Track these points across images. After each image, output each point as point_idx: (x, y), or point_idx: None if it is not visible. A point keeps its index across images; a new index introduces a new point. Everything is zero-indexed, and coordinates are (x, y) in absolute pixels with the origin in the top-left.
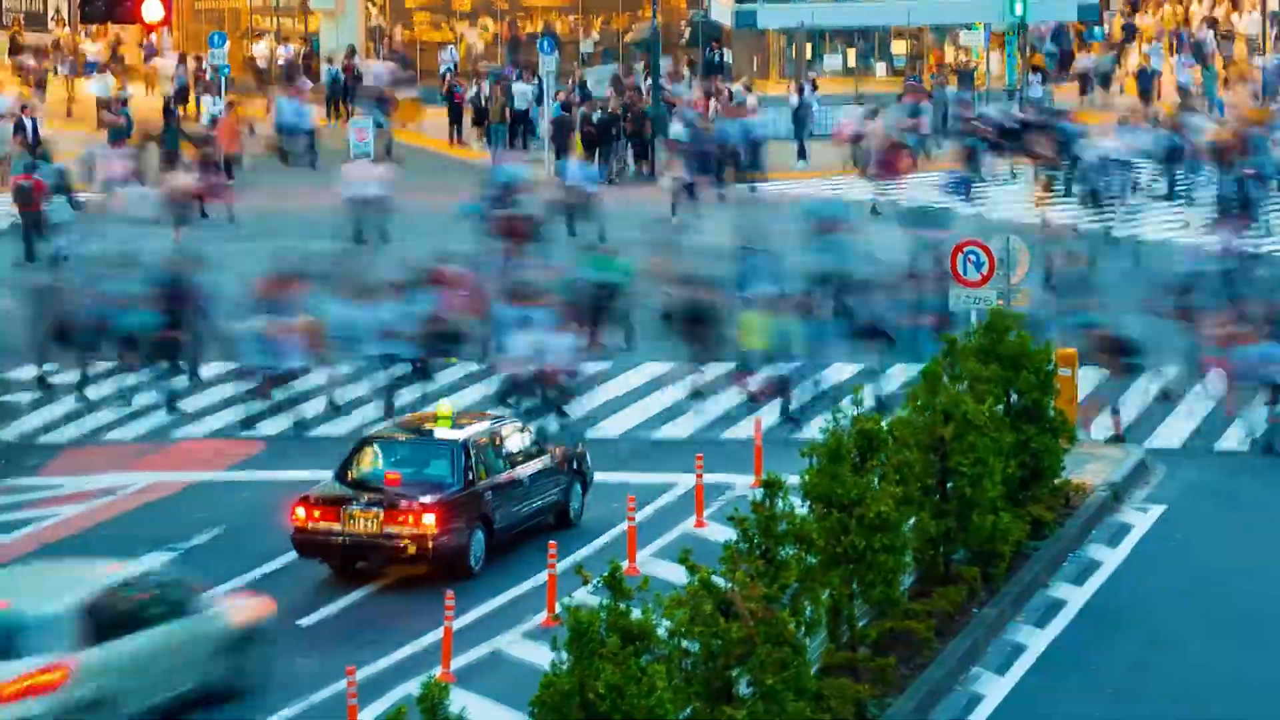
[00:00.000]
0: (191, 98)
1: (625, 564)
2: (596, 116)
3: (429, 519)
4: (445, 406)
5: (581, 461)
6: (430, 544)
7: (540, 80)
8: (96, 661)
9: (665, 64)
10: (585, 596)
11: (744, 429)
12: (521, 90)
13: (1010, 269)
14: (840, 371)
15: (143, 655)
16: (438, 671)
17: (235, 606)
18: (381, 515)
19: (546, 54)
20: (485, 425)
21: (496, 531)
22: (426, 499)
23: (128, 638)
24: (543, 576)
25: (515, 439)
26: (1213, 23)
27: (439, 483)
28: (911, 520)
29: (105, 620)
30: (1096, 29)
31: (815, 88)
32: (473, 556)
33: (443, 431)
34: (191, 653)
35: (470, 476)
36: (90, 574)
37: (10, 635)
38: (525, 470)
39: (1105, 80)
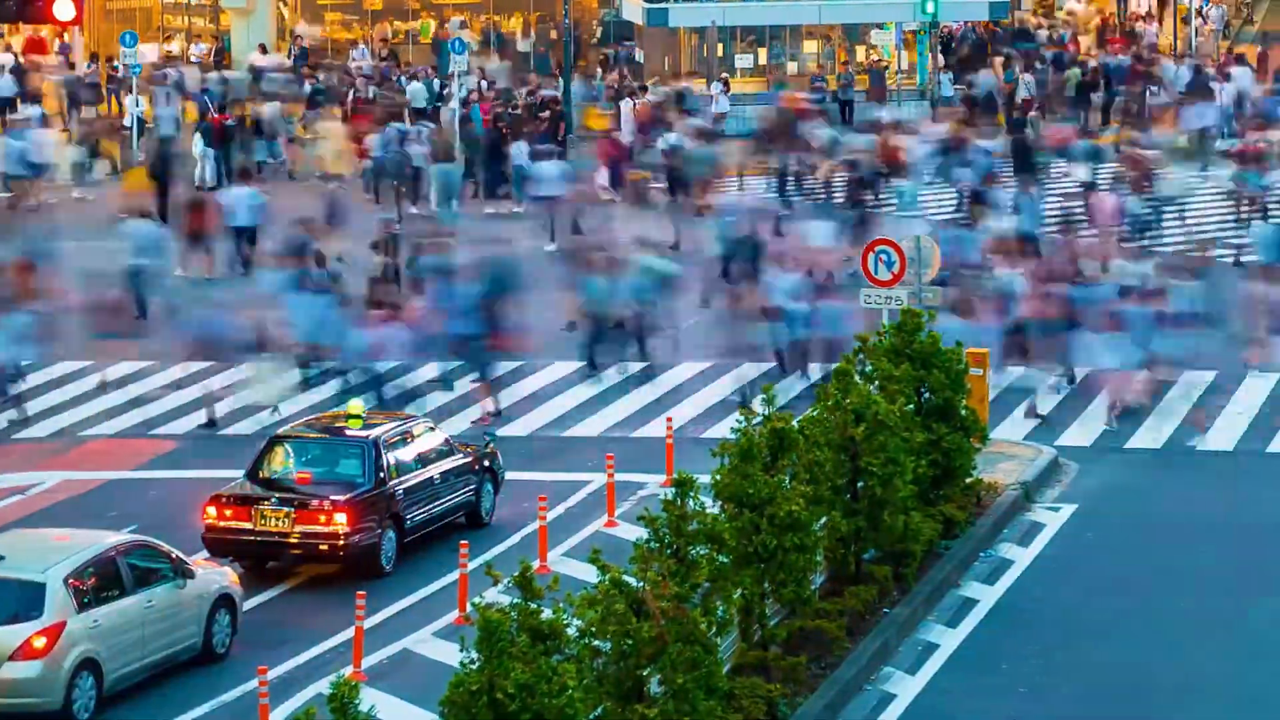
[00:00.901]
0: (110, 99)
1: (536, 563)
2: (506, 115)
3: (340, 518)
4: (356, 405)
5: (493, 461)
6: (342, 543)
7: (430, 78)
8: (87, 625)
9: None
10: (496, 596)
11: (656, 428)
12: (416, 89)
13: (922, 268)
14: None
15: (132, 618)
16: (348, 670)
17: (213, 573)
18: (293, 514)
19: (457, 54)
20: (396, 424)
21: (408, 531)
22: (338, 498)
23: (117, 602)
24: (454, 576)
25: (426, 438)
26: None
27: (350, 482)
28: (823, 519)
29: (96, 585)
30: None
31: (728, 87)
32: (384, 556)
33: (354, 430)
34: (177, 616)
35: (381, 476)
36: (80, 541)
37: (3, 600)
38: (436, 469)
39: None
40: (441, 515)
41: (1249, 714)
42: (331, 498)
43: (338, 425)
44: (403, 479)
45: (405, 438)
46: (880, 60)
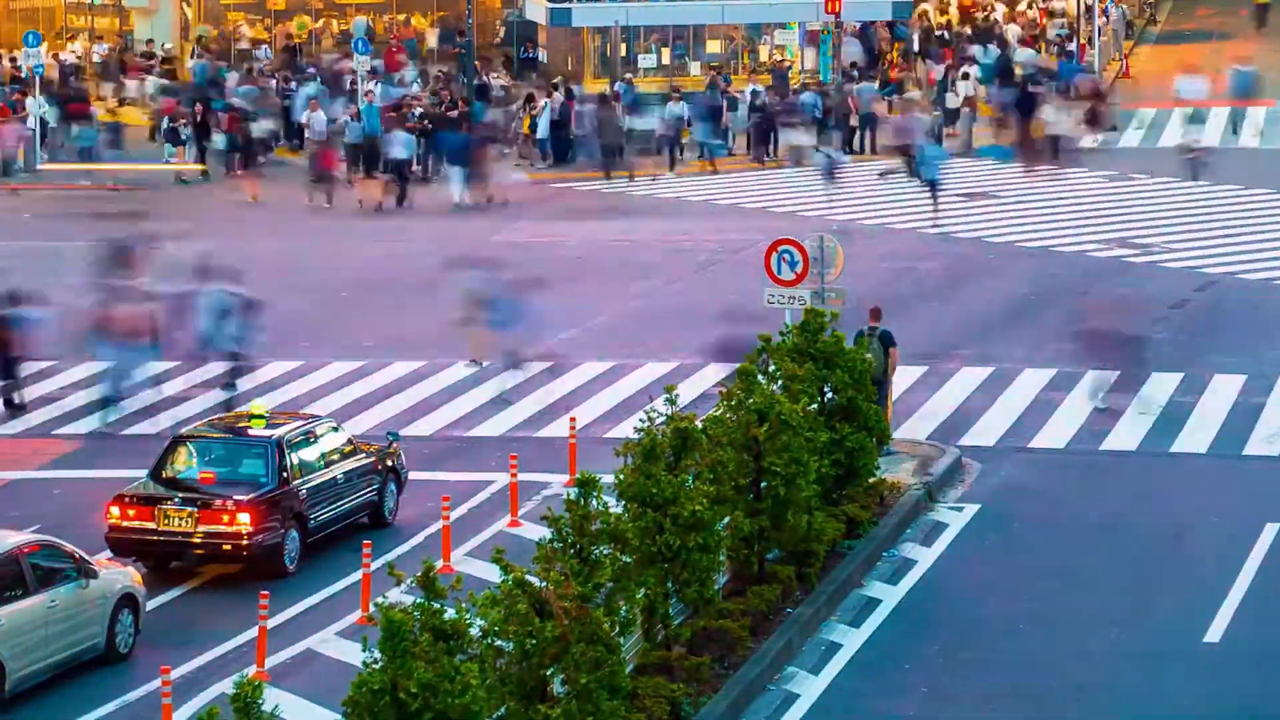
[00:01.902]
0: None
1: (439, 563)
2: (418, 113)
3: (244, 518)
4: (259, 405)
5: (395, 460)
6: (245, 543)
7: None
8: None
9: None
10: (399, 596)
11: (559, 427)
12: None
13: (825, 267)
14: None
15: (35, 618)
16: (251, 670)
17: (116, 573)
18: (196, 514)
19: (361, 53)
20: (299, 424)
21: (311, 530)
22: (241, 498)
23: (19, 602)
24: (357, 575)
25: (329, 438)
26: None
27: (253, 482)
28: (726, 519)
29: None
30: (905, 29)
31: (633, 86)
32: (288, 556)
33: (257, 430)
34: (80, 616)
35: (285, 475)
36: None
37: None
38: (340, 469)
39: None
40: (345, 515)
41: (1148, 714)
42: (234, 497)
43: (241, 425)
44: (306, 479)
45: (308, 437)
46: (784, 60)
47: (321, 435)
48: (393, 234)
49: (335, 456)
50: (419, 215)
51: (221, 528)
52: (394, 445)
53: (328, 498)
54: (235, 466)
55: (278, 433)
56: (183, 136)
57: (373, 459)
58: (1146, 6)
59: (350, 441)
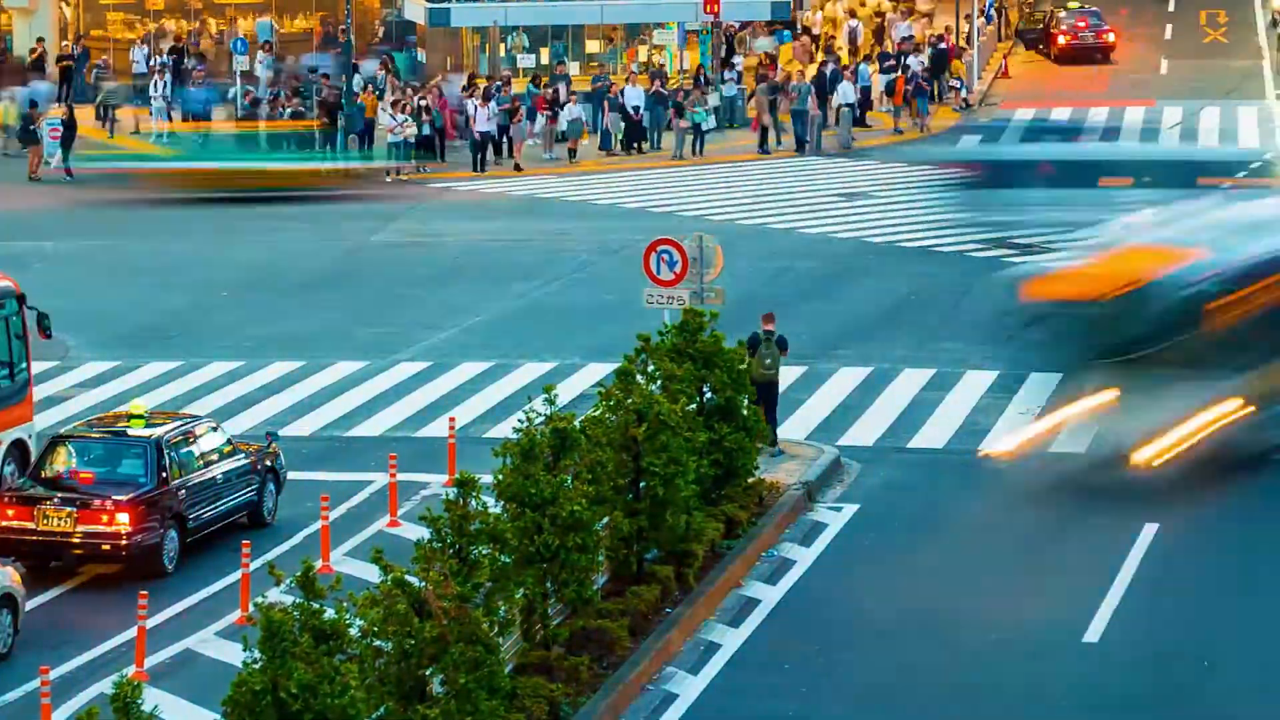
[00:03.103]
0: None
1: (318, 563)
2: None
3: (123, 518)
4: (138, 405)
5: (275, 460)
6: (124, 543)
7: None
8: None
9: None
10: (279, 596)
11: (438, 428)
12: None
13: (704, 267)
14: None
15: None
16: (131, 670)
17: None
18: (75, 514)
19: (239, 54)
20: (178, 424)
21: (191, 530)
22: (120, 498)
23: None
24: (236, 575)
25: (208, 438)
26: None
27: (132, 481)
28: (605, 519)
29: None
30: (786, 31)
31: (509, 86)
32: (167, 555)
33: (136, 430)
34: None
35: (164, 475)
36: None
37: None
38: (219, 469)
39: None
40: (224, 515)
41: (1026, 713)
42: (114, 497)
43: (120, 425)
44: (185, 478)
45: (188, 438)
46: (663, 62)
47: (201, 435)
48: (274, 232)
49: (214, 456)
50: (301, 215)
51: (100, 528)
52: (273, 445)
53: (207, 498)
54: (114, 466)
55: (157, 433)
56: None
57: (252, 459)
58: (1025, 6)
59: (230, 441)
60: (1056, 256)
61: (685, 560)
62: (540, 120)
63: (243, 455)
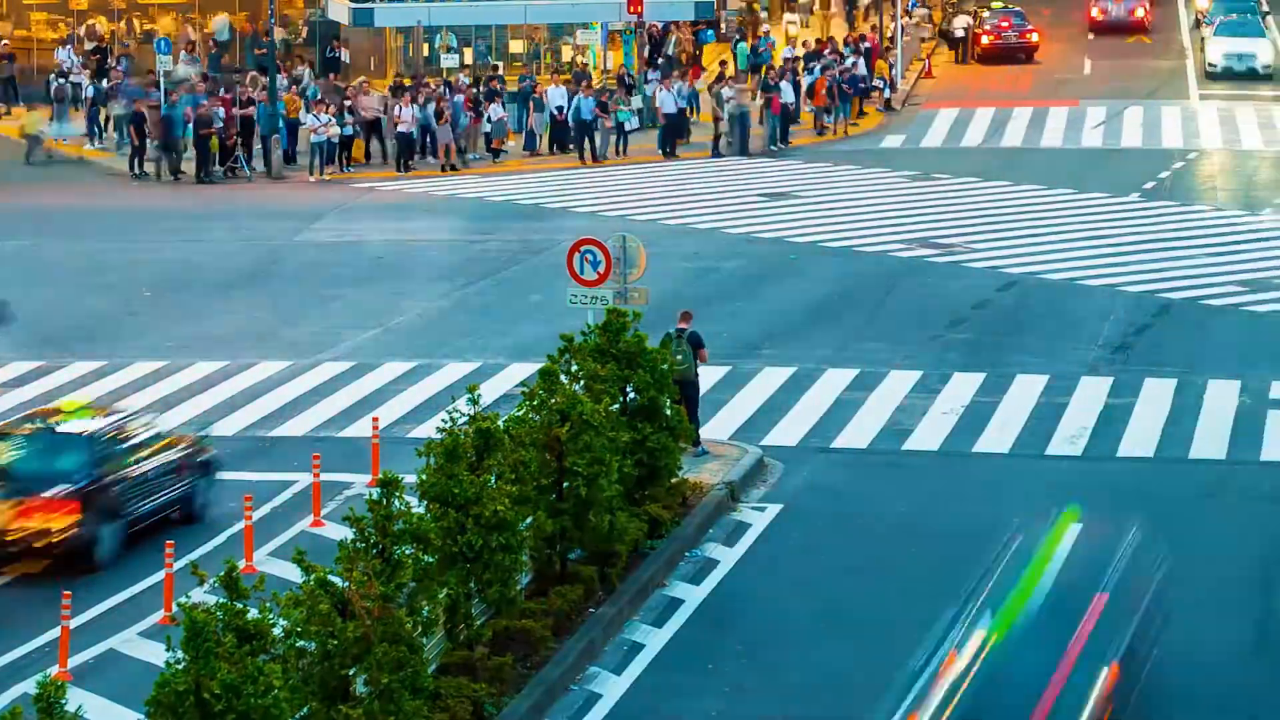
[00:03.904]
0: None
1: (242, 563)
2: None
3: (58, 513)
4: (73, 400)
5: (208, 457)
6: (58, 538)
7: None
8: None
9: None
10: (202, 596)
11: (362, 427)
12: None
13: (627, 267)
14: None
15: None
16: (54, 670)
17: None
18: (8, 510)
19: (163, 54)
20: (113, 420)
21: (124, 526)
22: (54, 493)
23: None
24: (160, 575)
25: (143, 434)
26: None
27: (67, 476)
28: (528, 519)
29: None
30: (709, 31)
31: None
32: (100, 551)
33: (71, 425)
34: None
35: (99, 470)
36: None
37: None
38: (152, 465)
39: None
40: (157, 510)
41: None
42: (48, 492)
43: (55, 420)
44: (119, 474)
45: (122, 433)
46: (586, 60)
47: (135, 431)
48: (196, 233)
49: (148, 452)
50: (223, 215)
51: (34, 523)
52: (205, 442)
53: (140, 493)
54: (49, 461)
55: (91, 428)
56: None
57: (185, 454)
58: (950, 6)
59: (162, 436)
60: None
61: (609, 560)
62: (465, 120)
63: (176, 451)
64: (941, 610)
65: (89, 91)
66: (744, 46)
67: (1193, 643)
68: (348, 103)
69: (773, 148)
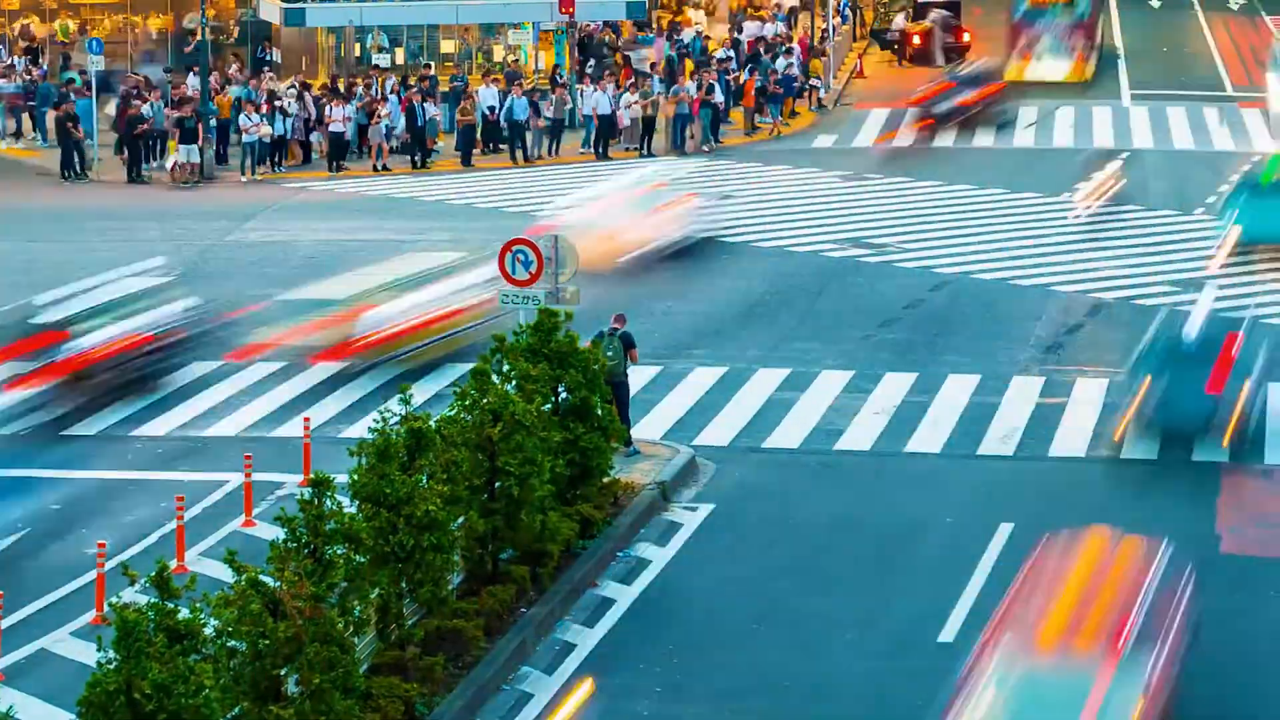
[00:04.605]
0: None
1: (173, 563)
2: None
3: None
4: None
5: None
6: None
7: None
8: None
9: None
10: (133, 595)
11: (293, 428)
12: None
13: (559, 267)
14: None
15: None
16: None
17: None
18: None
19: (94, 53)
20: None
21: None
22: None
23: None
24: (91, 575)
25: None
26: None
27: None
28: (460, 519)
29: None
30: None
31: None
32: None
33: None
34: None
35: None
36: None
37: None
38: None
39: None
40: None
41: (882, 713)
42: None
43: None
44: None
45: None
46: (517, 60)
47: None
48: (127, 233)
49: None
50: (152, 215)
51: None
52: None
53: None
54: None
55: None
56: None
57: None
58: (881, 6)
59: None
60: None
61: (541, 560)
62: (402, 121)
63: None
64: (872, 610)
65: (9, 89)
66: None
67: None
68: (279, 103)
69: (704, 147)
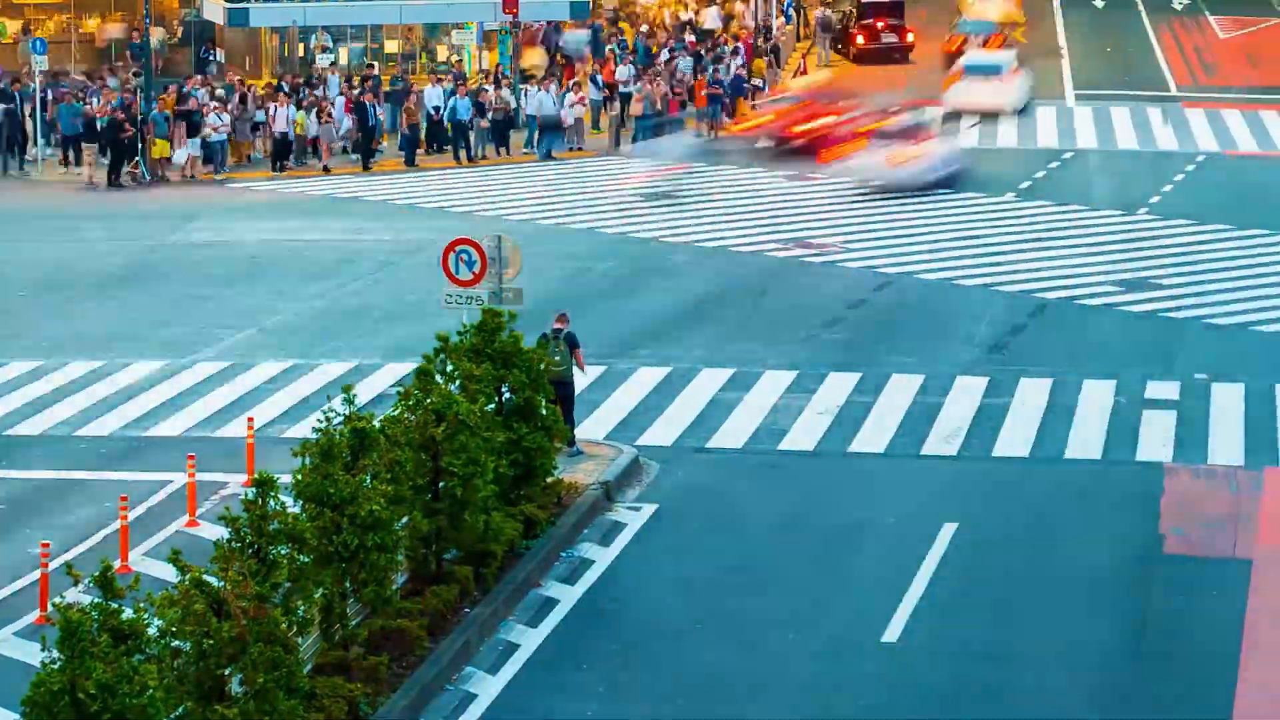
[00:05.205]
0: None
1: (117, 563)
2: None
3: None
4: None
5: None
6: None
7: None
8: None
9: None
10: (77, 595)
11: (237, 427)
12: None
13: (503, 267)
14: None
15: None
16: None
17: None
18: None
19: (38, 54)
20: None
21: None
22: None
23: None
24: (34, 575)
25: None
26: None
27: None
28: (404, 519)
29: None
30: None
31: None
32: None
33: None
34: None
35: None
36: None
37: None
38: None
39: None
40: None
41: (825, 713)
42: None
43: None
44: None
45: None
46: (461, 60)
47: None
48: (71, 233)
49: None
50: (99, 216)
51: None
52: None
53: None
54: None
55: None
56: None
57: None
58: (825, 5)
59: None
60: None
61: (484, 560)
62: (347, 121)
63: None
64: (816, 610)
65: None
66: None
67: (1068, 644)
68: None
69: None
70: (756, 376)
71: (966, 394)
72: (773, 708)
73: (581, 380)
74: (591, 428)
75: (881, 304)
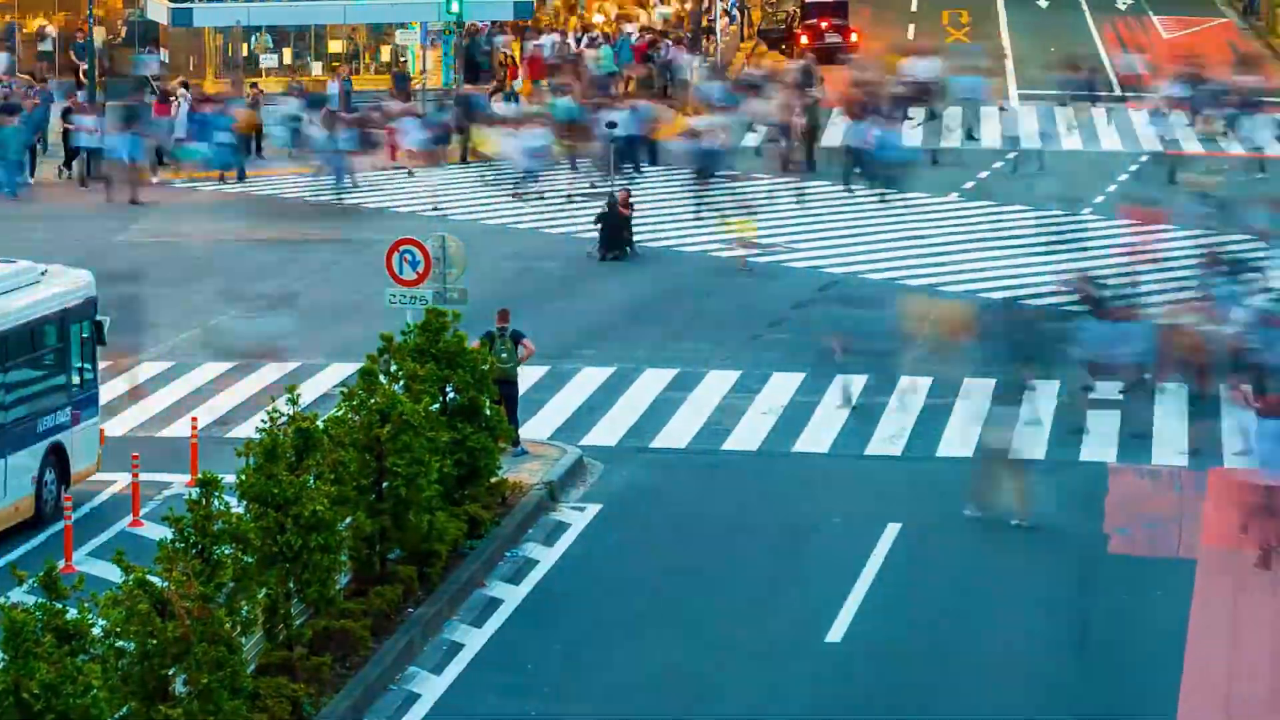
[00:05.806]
0: None
1: (61, 563)
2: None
3: None
4: None
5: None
6: None
7: None
8: None
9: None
10: (21, 596)
11: (181, 427)
12: None
13: (447, 267)
14: None
15: None
16: None
17: None
18: None
19: None
20: None
21: None
22: None
23: None
24: None
25: None
26: None
27: None
28: (348, 519)
29: None
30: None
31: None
32: None
33: None
34: None
35: None
36: None
37: None
38: None
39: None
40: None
41: (769, 713)
42: None
43: None
44: None
45: None
46: (405, 60)
47: None
48: (15, 235)
49: None
50: (42, 216)
51: None
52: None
53: None
54: None
55: None
56: None
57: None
58: (769, 6)
59: None
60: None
61: (428, 560)
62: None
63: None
64: (760, 610)
65: None
66: (608, 49)
67: (1011, 643)
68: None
69: None
70: (700, 376)
71: (911, 394)
72: (717, 708)
73: (525, 380)
74: (536, 428)
75: (826, 304)
